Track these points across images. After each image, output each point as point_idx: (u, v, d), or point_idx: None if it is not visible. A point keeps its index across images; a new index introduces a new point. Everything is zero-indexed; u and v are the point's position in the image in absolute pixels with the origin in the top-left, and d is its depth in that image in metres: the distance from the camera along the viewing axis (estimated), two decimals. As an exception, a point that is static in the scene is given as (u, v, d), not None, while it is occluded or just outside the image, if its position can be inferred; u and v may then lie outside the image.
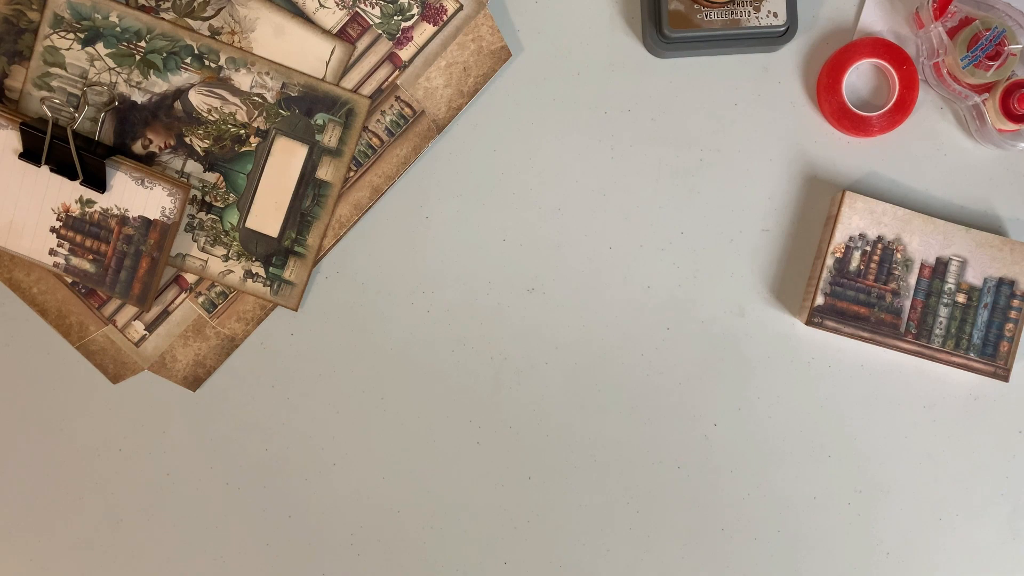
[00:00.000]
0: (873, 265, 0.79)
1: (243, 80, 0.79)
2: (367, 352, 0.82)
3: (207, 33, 0.78)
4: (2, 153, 0.77)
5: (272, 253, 0.81)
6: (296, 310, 0.81)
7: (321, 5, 0.78)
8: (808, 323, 0.79)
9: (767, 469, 0.82)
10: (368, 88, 0.79)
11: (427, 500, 0.83)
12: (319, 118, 0.79)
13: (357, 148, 0.80)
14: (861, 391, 0.82)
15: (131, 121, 0.79)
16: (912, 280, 0.79)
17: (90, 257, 0.79)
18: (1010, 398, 0.82)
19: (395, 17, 0.79)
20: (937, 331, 0.79)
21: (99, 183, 0.77)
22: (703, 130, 0.81)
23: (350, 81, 0.79)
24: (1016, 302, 0.79)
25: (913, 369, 0.82)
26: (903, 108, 0.80)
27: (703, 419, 0.82)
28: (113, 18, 0.78)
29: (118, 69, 0.78)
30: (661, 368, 0.82)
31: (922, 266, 0.79)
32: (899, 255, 0.79)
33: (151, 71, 0.78)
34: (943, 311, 0.79)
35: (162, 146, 0.79)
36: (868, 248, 0.79)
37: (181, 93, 0.79)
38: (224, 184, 0.80)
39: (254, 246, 0.80)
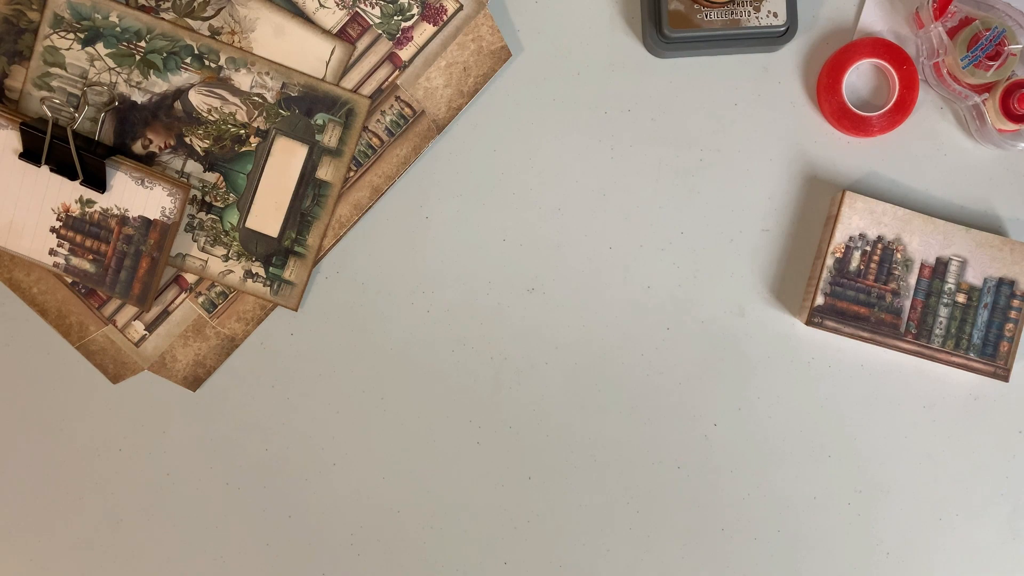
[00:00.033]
0: (873, 265, 0.79)
1: (243, 80, 0.79)
2: (367, 352, 0.82)
3: (207, 33, 0.78)
4: (2, 153, 0.77)
5: (272, 253, 0.81)
6: (296, 310, 0.81)
7: (321, 5, 0.78)
8: (808, 323, 0.79)
9: (767, 469, 0.82)
10: (368, 88, 0.79)
11: (427, 500, 0.83)
12: (319, 118, 0.79)
13: (357, 148, 0.80)
14: (861, 391, 0.82)
15: (131, 121, 0.79)
16: (912, 280, 0.79)
17: (90, 257, 0.79)
18: (1010, 398, 0.82)
19: (395, 17, 0.79)
20: (937, 331, 0.79)
21: (99, 183, 0.77)
22: (703, 130, 0.81)
23: (350, 81, 0.79)
24: (1016, 302, 0.79)
25: (913, 369, 0.82)
26: (903, 108, 0.80)
27: (703, 419, 0.82)
28: (113, 18, 0.78)
29: (118, 69, 0.78)
30: (661, 368, 0.82)
31: (922, 266, 0.79)
32: (899, 255, 0.79)
33: (151, 71, 0.78)
34: (943, 311, 0.79)
35: (162, 146, 0.79)
36: (868, 248, 0.79)
37: (181, 93, 0.79)
38: (224, 184, 0.80)
39: (254, 246, 0.80)
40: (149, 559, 0.83)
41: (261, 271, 0.81)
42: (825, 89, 0.79)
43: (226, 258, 0.80)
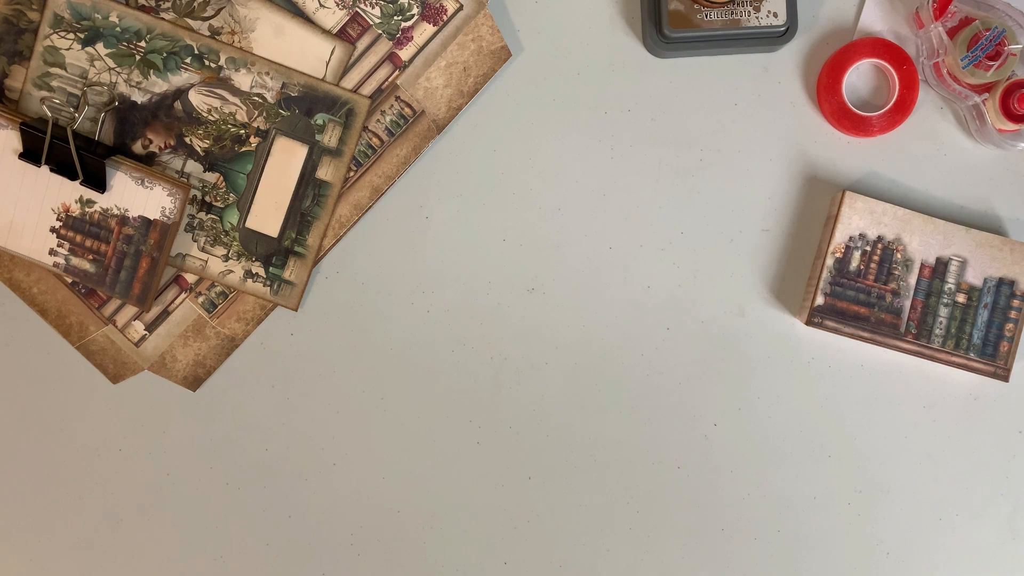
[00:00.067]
0: (873, 265, 0.79)
1: (243, 80, 0.79)
2: (367, 352, 0.82)
3: (207, 33, 0.78)
4: (2, 153, 0.77)
5: (272, 253, 0.81)
6: (296, 310, 0.81)
7: (321, 5, 0.78)
8: (808, 323, 0.79)
9: (767, 469, 0.82)
10: (368, 88, 0.79)
11: (427, 500, 0.83)
12: (319, 118, 0.79)
13: (357, 148, 0.80)
14: (861, 391, 0.82)
15: (131, 121, 0.79)
16: (912, 280, 0.79)
17: (90, 257, 0.79)
18: (1010, 398, 0.82)
19: (395, 17, 0.79)
20: (937, 331, 0.79)
21: (99, 183, 0.77)
22: (703, 130, 0.81)
23: (350, 81, 0.79)
24: (1016, 302, 0.79)
25: (913, 369, 0.82)
26: (903, 108, 0.80)
27: (703, 419, 0.82)
28: (113, 18, 0.78)
29: (118, 69, 0.78)
30: (661, 368, 0.82)
31: (922, 266, 0.79)
32: (899, 255, 0.79)
33: (151, 71, 0.78)
34: (943, 311, 0.79)
35: (162, 146, 0.79)
36: (868, 248, 0.79)
37: (181, 93, 0.79)
38: (224, 184, 0.80)
39: (254, 246, 0.80)
40: (149, 559, 0.83)
41: (261, 271, 0.81)
42: (825, 89, 0.79)
43: (226, 258, 0.80)
